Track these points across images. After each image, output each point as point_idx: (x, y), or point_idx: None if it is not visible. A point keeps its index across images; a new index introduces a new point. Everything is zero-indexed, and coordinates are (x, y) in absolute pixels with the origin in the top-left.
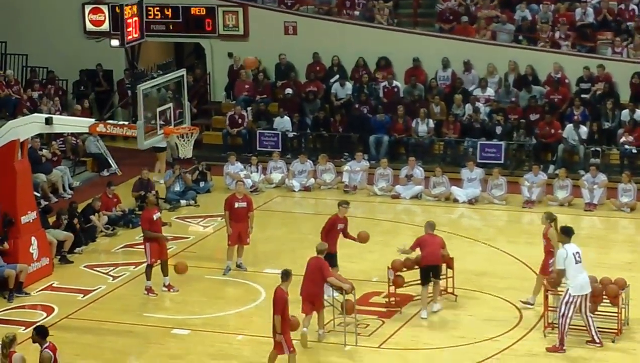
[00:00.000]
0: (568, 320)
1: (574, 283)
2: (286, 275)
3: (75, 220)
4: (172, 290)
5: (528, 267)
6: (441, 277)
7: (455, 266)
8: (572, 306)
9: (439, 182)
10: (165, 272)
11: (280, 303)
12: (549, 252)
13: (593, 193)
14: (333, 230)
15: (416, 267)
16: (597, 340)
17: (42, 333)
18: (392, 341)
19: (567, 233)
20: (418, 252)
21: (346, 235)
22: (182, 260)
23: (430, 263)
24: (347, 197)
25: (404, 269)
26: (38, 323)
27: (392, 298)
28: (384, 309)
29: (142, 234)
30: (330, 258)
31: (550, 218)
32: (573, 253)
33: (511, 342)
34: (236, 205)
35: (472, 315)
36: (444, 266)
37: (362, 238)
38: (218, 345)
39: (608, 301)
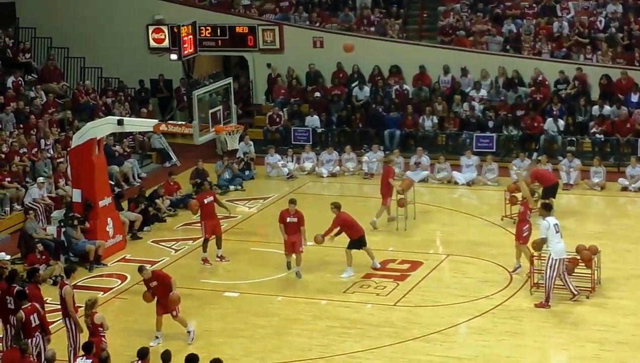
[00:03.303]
0: (553, 281)
1: (555, 249)
2: (140, 269)
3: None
4: (224, 260)
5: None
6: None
7: (456, 238)
8: (555, 269)
9: (442, 167)
10: (219, 245)
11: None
12: (522, 221)
13: (570, 175)
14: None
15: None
16: (576, 292)
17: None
18: (405, 300)
19: (547, 208)
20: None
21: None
22: (148, 294)
23: (552, 183)
24: (366, 182)
25: (515, 191)
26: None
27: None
28: (398, 273)
29: (198, 214)
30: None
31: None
32: (553, 225)
33: (503, 300)
34: (288, 219)
35: (471, 277)
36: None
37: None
38: (262, 304)
39: (583, 264)
